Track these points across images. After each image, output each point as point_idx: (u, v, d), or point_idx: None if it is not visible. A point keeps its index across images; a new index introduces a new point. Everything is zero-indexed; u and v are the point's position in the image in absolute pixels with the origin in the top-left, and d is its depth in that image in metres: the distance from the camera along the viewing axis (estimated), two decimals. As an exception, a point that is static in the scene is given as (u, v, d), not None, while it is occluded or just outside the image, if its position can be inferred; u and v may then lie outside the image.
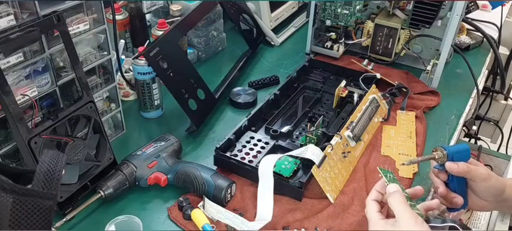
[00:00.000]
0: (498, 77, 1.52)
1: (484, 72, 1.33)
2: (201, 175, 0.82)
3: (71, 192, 0.79)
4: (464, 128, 1.17)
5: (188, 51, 1.25)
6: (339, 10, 1.23)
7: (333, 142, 0.88)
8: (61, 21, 0.74)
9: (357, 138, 0.93)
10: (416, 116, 1.06)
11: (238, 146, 0.94)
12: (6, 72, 0.70)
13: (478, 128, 1.62)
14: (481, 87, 1.25)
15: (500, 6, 1.50)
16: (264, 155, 0.89)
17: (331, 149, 0.87)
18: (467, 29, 1.43)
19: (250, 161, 0.90)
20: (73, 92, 0.86)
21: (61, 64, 0.82)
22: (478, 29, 1.38)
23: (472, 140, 1.60)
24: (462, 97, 1.17)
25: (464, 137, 1.51)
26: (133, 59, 1.00)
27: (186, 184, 0.83)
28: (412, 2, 1.16)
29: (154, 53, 0.94)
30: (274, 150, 0.94)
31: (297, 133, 1.00)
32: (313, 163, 0.83)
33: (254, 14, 1.36)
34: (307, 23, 1.35)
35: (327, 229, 0.79)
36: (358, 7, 1.22)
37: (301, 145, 0.93)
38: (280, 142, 0.95)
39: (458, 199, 0.74)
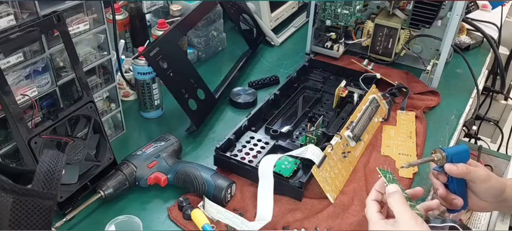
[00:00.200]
0: (498, 77, 1.52)
1: (484, 72, 1.33)
2: (201, 175, 0.82)
3: (71, 192, 0.79)
4: (464, 128, 1.17)
5: (188, 51, 1.25)
6: (339, 10, 1.23)
7: (333, 142, 0.88)
8: (61, 21, 0.74)
9: (357, 138, 0.93)
10: (416, 116, 1.06)
11: (238, 146, 0.94)
12: (6, 72, 0.70)
13: (478, 128, 1.62)
14: (481, 87, 1.25)
15: (500, 6, 1.50)
16: (264, 155, 0.89)
17: (331, 149, 0.87)
18: (467, 29, 1.43)
19: (250, 161, 0.90)
20: (73, 92, 0.86)
21: (61, 64, 0.82)
22: (478, 29, 1.38)
23: (472, 140, 1.60)
24: (462, 97, 1.17)
25: (464, 137, 1.50)
26: (133, 59, 1.00)
27: (186, 184, 0.83)
28: (412, 2, 1.16)
29: (154, 53, 0.94)
30: (274, 150, 0.94)
31: (297, 133, 1.00)
32: (313, 163, 0.83)
33: (254, 14, 1.36)
34: (307, 23, 1.35)
35: (327, 229, 0.79)
36: (358, 7, 1.22)
37: (301, 145, 0.93)
38: (280, 142, 0.95)
39: (458, 201, 0.74)
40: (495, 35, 1.46)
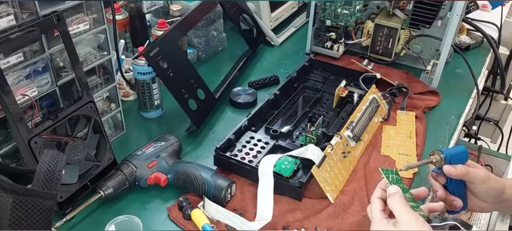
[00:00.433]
0: (498, 77, 1.52)
1: (484, 72, 1.33)
2: (201, 175, 0.82)
3: (71, 192, 0.79)
4: (464, 128, 1.17)
5: (188, 51, 1.25)
6: (339, 10, 1.23)
7: (333, 142, 0.88)
8: (61, 21, 0.74)
9: (357, 138, 0.93)
10: (416, 116, 1.06)
11: (238, 146, 0.94)
12: (6, 72, 0.70)
13: (478, 128, 1.62)
14: (481, 87, 1.25)
15: (500, 6, 1.50)
16: (264, 155, 0.89)
17: (331, 149, 0.87)
18: (467, 29, 1.43)
19: (250, 161, 0.90)
20: (73, 92, 0.86)
21: (61, 64, 0.82)
22: (478, 29, 1.38)
23: (472, 140, 1.60)
24: (462, 97, 1.17)
25: (464, 137, 1.50)
26: (133, 59, 1.00)
27: (186, 184, 0.83)
28: (412, 2, 1.16)
29: (154, 53, 0.94)
30: (274, 150, 0.94)
31: (297, 133, 1.00)
32: (313, 163, 0.83)
33: (254, 14, 1.36)
34: (307, 23, 1.35)
35: (327, 229, 0.79)
36: (358, 7, 1.22)
37: (301, 145, 0.93)
38: (280, 142, 0.95)
39: (458, 202, 0.74)
40: (495, 35, 1.46)
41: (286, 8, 1.48)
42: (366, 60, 1.24)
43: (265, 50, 1.38)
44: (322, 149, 0.86)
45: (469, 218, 1.09)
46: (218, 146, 0.89)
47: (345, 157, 0.90)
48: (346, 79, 1.13)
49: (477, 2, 1.43)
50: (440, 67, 1.14)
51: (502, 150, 1.70)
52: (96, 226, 0.78)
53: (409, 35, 1.21)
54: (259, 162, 0.85)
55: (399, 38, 1.22)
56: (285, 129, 0.98)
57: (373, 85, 1.07)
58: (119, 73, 1.05)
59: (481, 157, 1.30)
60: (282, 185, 0.83)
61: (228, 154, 0.90)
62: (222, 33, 1.34)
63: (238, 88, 1.14)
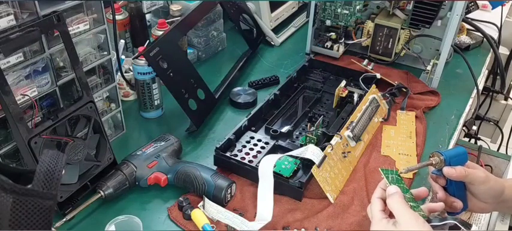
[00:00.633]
0: (498, 77, 1.52)
1: (484, 72, 1.33)
2: (201, 175, 0.82)
3: (71, 192, 0.79)
4: (464, 128, 1.17)
5: (188, 51, 1.25)
6: (339, 10, 1.23)
7: (333, 142, 0.88)
8: (61, 21, 0.74)
9: (357, 138, 0.93)
10: (416, 116, 1.06)
11: (238, 146, 0.94)
12: (6, 72, 0.70)
13: (478, 128, 1.62)
14: (481, 87, 1.25)
15: (500, 6, 1.50)
16: (264, 155, 0.89)
17: (331, 149, 0.87)
18: (467, 29, 1.43)
19: (250, 161, 0.90)
20: (73, 92, 0.86)
21: (61, 64, 0.82)
22: (478, 29, 1.38)
23: (472, 140, 1.60)
24: (462, 97, 1.17)
25: (464, 137, 1.51)
26: (133, 59, 1.00)
27: (186, 184, 0.83)
28: (412, 2, 1.16)
29: (154, 53, 0.94)
30: (274, 150, 0.94)
31: (297, 133, 1.00)
32: (313, 163, 0.83)
33: (254, 14, 1.36)
34: (307, 23, 1.35)
35: (327, 229, 0.79)
36: (358, 7, 1.22)
37: (301, 145, 0.93)
38: (280, 142, 0.95)
39: (458, 203, 0.74)
40: (495, 35, 1.46)
41: (286, 8, 1.48)
42: (366, 60, 1.24)
43: (265, 50, 1.38)
44: (322, 149, 0.86)
45: (469, 218, 1.09)
46: (218, 146, 0.89)
47: (345, 157, 0.90)
48: (346, 79, 1.13)
49: (477, 2, 1.43)
50: (440, 67, 1.14)
51: (502, 150, 1.70)
52: (96, 226, 0.78)
53: (409, 35, 1.21)
54: (259, 162, 0.85)
55: (399, 38, 1.22)
56: (285, 129, 0.98)
57: (373, 85, 1.07)
58: (119, 73, 1.05)
59: (481, 157, 1.30)
60: (282, 185, 0.83)
61: (228, 154, 0.90)
62: (222, 33, 1.34)
63: (238, 88, 1.14)
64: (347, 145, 0.92)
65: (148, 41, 1.17)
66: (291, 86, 1.14)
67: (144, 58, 0.96)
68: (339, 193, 0.86)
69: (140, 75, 1.00)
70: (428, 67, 1.16)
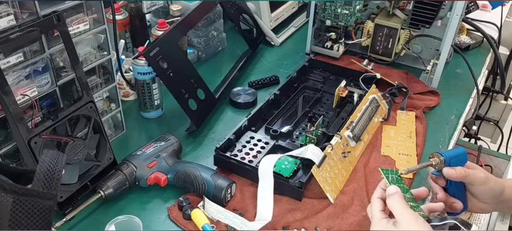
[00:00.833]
0: (498, 77, 1.52)
1: (484, 72, 1.33)
2: (201, 175, 0.82)
3: (71, 192, 0.79)
4: (464, 128, 1.17)
5: (188, 51, 1.25)
6: (339, 10, 1.23)
7: (333, 142, 0.88)
8: (61, 21, 0.74)
9: (357, 138, 0.93)
10: (416, 116, 1.06)
11: (238, 146, 0.94)
12: (6, 72, 0.70)
13: (478, 128, 1.62)
14: (481, 87, 1.25)
15: (500, 6, 1.50)
16: (264, 155, 0.89)
17: (331, 149, 0.87)
18: (467, 29, 1.43)
19: (250, 161, 0.90)
20: (73, 92, 0.86)
21: (61, 64, 0.82)
22: (478, 29, 1.38)
23: (472, 140, 1.60)
24: (462, 97, 1.17)
25: (464, 137, 1.51)
26: (133, 59, 1.00)
27: (186, 184, 0.83)
28: (412, 2, 1.16)
29: (154, 53, 0.94)
30: (274, 150, 0.94)
31: (297, 133, 1.00)
32: (313, 163, 0.83)
33: (254, 14, 1.36)
34: (307, 23, 1.35)
35: (327, 229, 0.79)
36: (358, 7, 1.22)
37: (301, 145, 0.93)
38: (280, 142, 0.95)
39: (458, 204, 0.74)
40: (495, 35, 1.46)
41: (286, 8, 1.48)
42: (366, 60, 1.24)
43: (265, 50, 1.38)
44: (322, 149, 0.86)
45: (469, 218, 1.09)
46: (218, 146, 0.89)
47: (345, 157, 0.90)
48: (346, 79, 1.13)
49: (477, 2, 1.43)
50: (440, 67, 1.14)
51: (502, 150, 1.70)
52: (96, 226, 0.78)
53: (409, 35, 1.21)
54: (259, 162, 0.85)
55: (399, 38, 1.22)
56: (285, 129, 0.98)
57: (373, 85, 1.07)
58: (119, 73, 1.05)
59: (481, 157, 1.30)
60: (282, 185, 0.83)
61: (228, 154, 0.90)
62: (222, 33, 1.34)
63: (238, 88, 1.14)
64: (347, 145, 0.92)
65: (148, 41, 1.17)
66: (291, 86, 1.14)
67: (144, 58, 0.96)
68: (339, 193, 0.86)
69: (140, 75, 1.00)
70: (428, 67, 1.16)
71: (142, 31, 1.22)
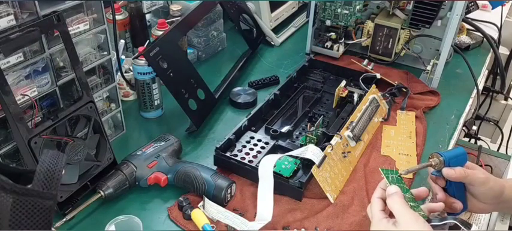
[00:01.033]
0: (498, 77, 1.52)
1: (484, 72, 1.33)
2: (201, 175, 0.82)
3: (71, 192, 0.79)
4: (464, 128, 1.17)
5: (188, 51, 1.25)
6: (339, 10, 1.23)
7: (333, 142, 0.88)
8: (61, 21, 0.74)
9: (357, 138, 0.93)
10: (416, 116, 1.06)
11: (238, 146, 0.94)
12: (6, 72, 0.70)
13: (478, 128, 1.62)
14: (481, 87, 1.25)
15: (500, 6, 1.50)
16: (264, 155, 0.89)
17: (331, 149, 0.87)
18: (467, 29, 1.43)
19: (250, 161, 0.90)
20: (73, 92, 0.86)
21: (61, 64, 0.82)
22: (478, 29, 1.38)
23: (472, 140, 1.60)
24: (462, 97, 1.17)
25: (464, 137, 1.51)
26: (133, 59, 1.00)
27: (186, 184, 0.83)
28: (412, 2, 1.16)
29: (154, 53, 0.94)
30: (274, 150, 0.94)
31: (297, 133, 1.00)
32: (313, 163, 0.83)
33: (254, 14, 1.36)
34: (307, 23, 1.35)
35: (327, 229, 0.79)
36: (358, 7, 1.22)
37: (301, 145, 0.93)
38: (280, 142, 0.95)
39: (458, 204, 0.74)
40: (495, 35, 1.46)
41: (286, 8, 1.48)
42: (366, 60, 1.24)
43: (265, 50, 1.38)
44: (322, 149, 0.86)
45: (468, 218, 1.09)
46: (218, 146, 0.89)
47: (345, 157, 0.90)
48: (346, 79, 1.13)
49: (477, 2, 1.43)
50: (440, 67, 1.14)
51: (502, 150, 1.70)
52: (96, 226, 0.78)
53: (409, 35, 1.21)
54: (259, 162, 0.85)
55: (399, 38, 1.22)
56: (285, 129, 0.98)
57: (373, 85, 1.07)
58: (119, 73, 1.05)
59: (481, 157, 1.30)
60: (282, 185, 0.83)
61: (228, 154, 0.90)
62: (222, 33, 1.34)
63: (238, 88, 1.14)
64: (347, 145, 0.92)
65: (148, 41, 1.17)
66: (291, 86, 1.14)
67: (144, 58, 0.96)
68: (339, 193, 0.86)
69: (140, 75, 1.00)
70: (428, 67, 1.16)
71: (142, 31, 1.22)
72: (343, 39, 1.28)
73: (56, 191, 0.55)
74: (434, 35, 1.18)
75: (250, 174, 0.86)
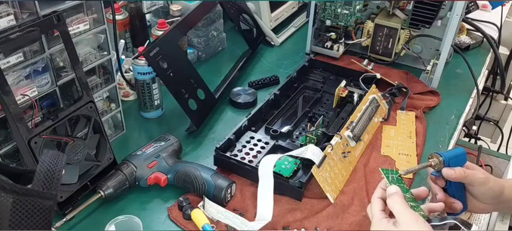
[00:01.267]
0: (498, 77, 1.52)
1: (484, 72, 1.33)
2: (201, 175, 0.82)
3: (71, 192, 0.79)
4: (464, 128, 1.17)
5: (188, 51, 1.25)
6: (339, 10, 1.23)
7: (333, 142, 0.88)
8: (61, 21, 0.74)
9: (357, 138, 0.93)
10: (416, 116, 1.06)
11: (238, 146, 0.94)
12: (6, 72, 0.70)
13: (478, 128, 1.62)
14: (481, 87, 1.25)
15: (500, 6, 1.50)
16: (264, 155, 0.89)
17: (331, 149, 0.87)
18: (467, 29, 1.43)
19: (250, 161, 0.90)
20: (73, 92, 0.86)
21: (61, 64, 0.82)
22: (478, 29, 1.38)
23: (472, 140, 1.60)
24: (462, 97, 1.17)
25: (464, 137, 1.51)
26: (133, 59, 1.00)
27: (186, 184, 0.83)
28: (412, 2, 1.16)
29: (154, 53, 0.94)
30: (274, 150, 0.94)
31: (297, 133, 1.00)
32: (313, 163, 0.83)
33: (254, 14, 1.36)
34: (307, 23, 1.35)
35: (326, 229, 0.79)
36: (358, 7, 1.22)
37: (301, 145, 0.93)
38: (280, 142, 0.95)
39: (458, 204, 0.74)
40: (495, 35, 1.46)
41: (286, 8, 1.48)
42: (366, 60, 1.24)
43: (265, 50, 1.38)
44: (322, 149, 0.86)
45: (468, 218, 1.09)
46: (218, 146, 0.89)
47: (345, 157, 0.90)
48: (346, 79, 1.13)
49: (477, 2, 1.43)
50: (440, 67, 1.14)
51: (502, 150, 1.70)
52: (96, 226, 0.78)
53: (409, 35, 1.21)
54: (259, 162, 0.85)
55: (399, 38, 1.22)
56: (285, 129, 0.98)
57: (373, 85, 1.07)
58: (119, 73, 1.05)
59: (481, 157, 1.30)
60: (282, 185, 0.83)
61: (228, 154, 0.90)
62: (222, 33, 1.34)
63: (238, 88, 1.14)
64: (347, 145, 0.92)
65: (148, 41, 1.17)
66: (291, 86, 1.14)
67: (144, 58, 0.96)
68: (339, 193, 0.86)
69: (140, 75, 1.00)
70: (428, 67, 1.16)
71: (142, 31, 1.22)
72: (343, 39, 1.28)
73: (56, 191, 0.55)
74: (434, 35, 1.18)
75: (250, 174, 0.86)
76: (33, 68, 0.76)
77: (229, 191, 0.82)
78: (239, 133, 0.96)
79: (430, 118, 1.08)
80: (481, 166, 1.28)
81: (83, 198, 0.81)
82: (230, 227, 0.77)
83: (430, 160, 0.74)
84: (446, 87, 1.19)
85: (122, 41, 1.13)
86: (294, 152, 0.86)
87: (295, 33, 1.49)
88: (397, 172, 0.73)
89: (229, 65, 1.25)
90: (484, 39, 1.39)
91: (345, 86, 1.08)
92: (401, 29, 1.21)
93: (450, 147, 1.01)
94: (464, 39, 1.40)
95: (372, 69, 1.20)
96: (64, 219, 0.76)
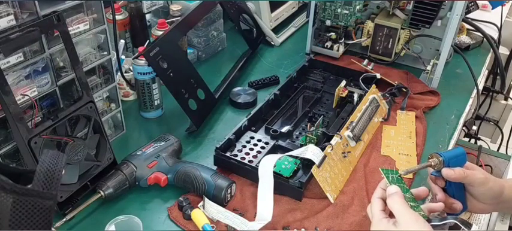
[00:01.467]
0: (498, 77, 1.52)
1: (484, 72, 1.33)
2: (201, 175, 0.82)
3: (71, 192, 0.79)
4: (464, 128, 1.17)
5: (188, 51, 1.25)
6: (339, 10, 1.23)
7: (333, 142, 0.88)
8: (61, 21, 0.74)
9: (357, 138, 0.93)
10: (416, 116, 1.06)
11: (238, 146, 0.94)
12: (6, 72, 0.70)
13: (478, 128, 1.62)
14: (481, 87, 1.25)
15: (500, 6, 1.50)
16: (264, 155, 0.89)
17: (331, 149, 0.87)
18: (467, 29, 1.43)
19: (250, 161, 0.90)
20: (73, 92, 0.86)
21: (61, 64, 0.82)
22: (478, 29, 1.38)
23: (472, 140, 1.60)
24: (462, 97, 1.17)
25: (464, 137, 1.51)
26: (133, 59, 1.00)
27: (186, 184, 0.83)
28: (412, 2, 1.16)
29: (154, 53, 0.94)
30: (274, 150, 0.94)
31: (297, 133, 1.00)
32: (313, 163, 0.83)
33: (254, 14, 1.36)
34: (307, 23, 1.35)
35: (326, 229, 0.79)
36: (358, 7, 1.22)
37: (301, 145, 0.93)
38: (280, 142, 0.95)
39: (457, 204, 0.74)
40: (495, 35, 1.46)
41: (286, 8, 1.48)
42: (366, 60, 1.24)
43: (265, 50, 1.38)
44: (322, 149, 0.86)
45: (468, 218, 1.09)
46: (218, 146, 0.89)
47: (345, 157, 0.90)
48: (346, 79, 1.13)
49: (477, 2, 1.43)
50: (440, 67, 1.14)
51: (502, 150, 1.70)
52: (96, 226, 0.78)
53: (409, 35, 1.21)
54: (259, 162, 0.85)
55: (399, 38, 1.22)
56: (285, 129, 0.98)
57: (373, 85, 1.07)
58: (119, 73, 1.05)
59: (481, 157, 1.30)
60: (282, 185, 0.83)
61: (228, 154, 0.90)
62: (222, 33, 1.34)
63: (238, 88, 1.14)
64: (347, 145, 0.92)
65: (148, 41, 1.17)
66: (291, 86, 1.14)
67: (144, 58, 0.96)
68: (339, 193, 0.86)
69: (140, 75, 1.00)
70: (428, 67, 1.16)
71: (142, 31, 1.22)
72: (343, 39, 1.28)
73: (56, 191, 0.55)
74: (434, 35, 1.18)
75: (250, 174, 0.86)
76: (33, 68, 0.76)
77: (229, 191, 0.82)
78: (239, 133, 0.96)
79: (430, 118, 1.08)
80: (481, 166, 1.28)
81: (83, 198, 0.81)
82: (230, 227, 0.77)
83: (430, 160, 0.74)
84: (446, 87, 1.19)
85: (122, 41, 1.13)
86: (294, 152, 0.86)
87: (295, 33, 1.49)
88: (397, 172, 0.73)
89: (229, 65, 1.25)
90: (484, 39, 1.39)
91: (345, 86, 1.08)
92: (401, 29, 1.21)
93: (450, 147, 1.01)
94: (464, 39, 1.40)
95: (372, 69, 1.20)
96: (64, 219, 0.76)
